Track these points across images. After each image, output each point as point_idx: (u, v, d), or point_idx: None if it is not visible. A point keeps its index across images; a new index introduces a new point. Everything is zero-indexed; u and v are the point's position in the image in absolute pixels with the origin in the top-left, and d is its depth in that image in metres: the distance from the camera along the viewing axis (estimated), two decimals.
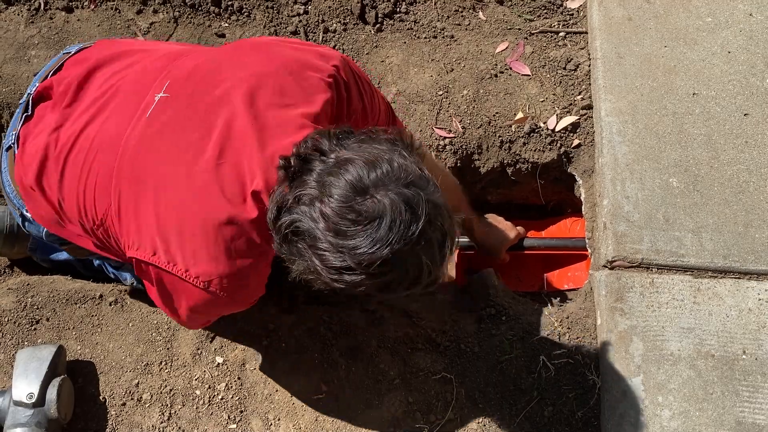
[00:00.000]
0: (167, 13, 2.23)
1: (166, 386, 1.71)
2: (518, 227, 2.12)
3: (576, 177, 2.03)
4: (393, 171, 1.04)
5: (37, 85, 1.52)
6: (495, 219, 2.10)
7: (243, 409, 1.70)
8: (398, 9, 2.20)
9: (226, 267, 1.23)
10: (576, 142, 2.00)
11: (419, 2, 2.22)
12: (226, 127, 1.22)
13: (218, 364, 1.73)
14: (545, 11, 2.21)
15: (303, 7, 2.19)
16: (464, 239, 2.20)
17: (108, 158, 1.30)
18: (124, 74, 1.41)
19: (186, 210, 1.22)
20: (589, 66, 2.06)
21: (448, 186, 1.79)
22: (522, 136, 2.02)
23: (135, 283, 1.83)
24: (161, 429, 1.67)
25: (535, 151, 2.03)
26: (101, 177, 1.31)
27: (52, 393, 1.59)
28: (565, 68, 2.07)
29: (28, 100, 1.51)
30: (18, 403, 1.58)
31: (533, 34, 2.15)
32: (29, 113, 1.49)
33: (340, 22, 2.18)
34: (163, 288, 1.32)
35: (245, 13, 2.21)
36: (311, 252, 1.06)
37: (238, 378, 1.72)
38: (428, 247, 1.05)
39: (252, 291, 1.35)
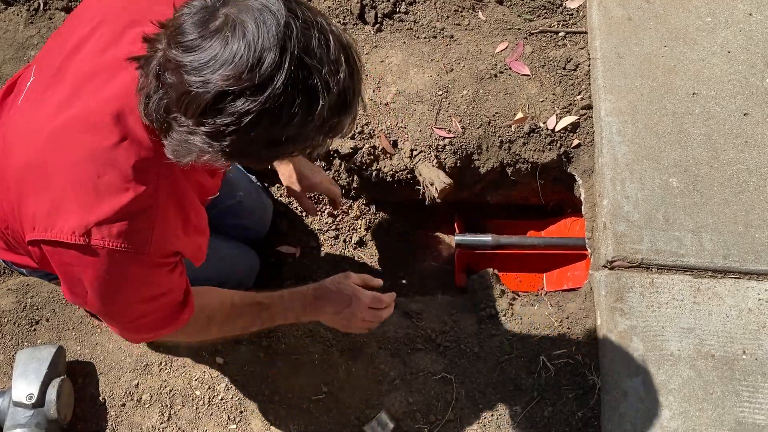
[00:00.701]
0: None
1: (165, 387, 1.71)
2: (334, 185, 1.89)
3: (576, 177, 2.02)
4: None
5: None
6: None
7: (243, 409, 1.69)
8: (398, 9, 2.20)
9: (102, 210, 1.05)
10: (576, 142, 2.00)
11: (419, 2, 2.22)
12: (73, 72, 1.10)
13: (218, 364, 1.73)
14: (545, 11, 2.21)
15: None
16: (464, 236, 2.20)
17: None
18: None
19: (47, 165, 1.07)
20: (589, 66, 2.06)
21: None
22: (522, 136, 2.02)
23: None
24: (161, 429, 1.67)
25: (534, 151, 2.03)
26: None
27: (51, 394, 1.59)
28: (564, 68, 2.07)
29: None
30: (18, 404, 1.58)
31: (533, 34, 2.15)
32: None
33: (339, 22, 2.18)
34: (61, 271, 1.14)
35: None
36: (184, 114, 0.91)
37: (238, 378, 1.72)
38: (307, 44, 0.88)
39: (161, 233, 1.10)
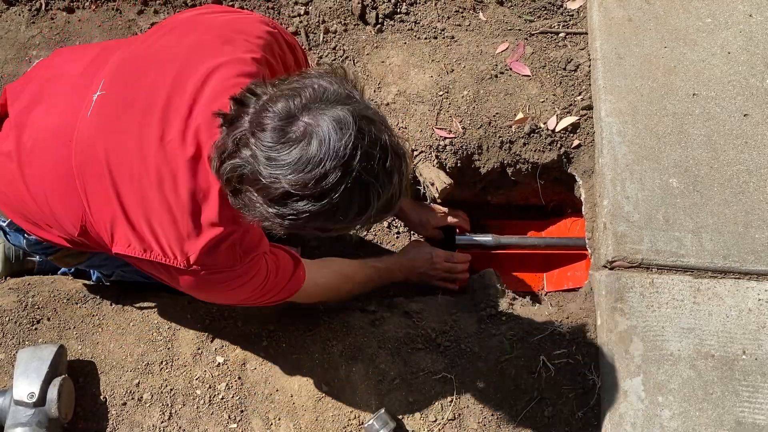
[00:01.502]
0: (168, 13, 2.23)
1: (166, 386, 1.71)
2: (453, 213, 2.15)
3: (576, 177, 2.03)
4: (316, 93, 1.03)
5: None
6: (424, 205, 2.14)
7: (243, 408, 1.70)
8: (399, 10, 2.21)
9: (198, 241, 1.23)
10: (576, 142, 2.00)
11: (420, 3, 2.22)
12: (165, 106, 1.22)
13: (219, 363, 1.74)
14: (545, 12, 2.22)
15: (303, 7, 2.19)
16: (464, 237, 2.20)
17: (62, 156, 1.30)
18: (56, 80, 1.41)
19: (146, 196, 1.22)
20: (589, 66, 2.06)
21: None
22: (522, 137, 2.02)
23: (102, 281, 1.85)
24: (162, 428, 1.67)
25: (535, 151, 2.03)
26: (61, 180, 1.31)
27: (52, 392, 1.59)
28: (565, 69, 2.08)
29: None
30: (19, 403, 1.58)
31: (533, 34, 2.15)
32: None
33: (340, 22, 2.18)
34: (160, 273, 1.33)
35: None
36: (255, 191, 1.05)
37: (239, 378, 1.72)
38: (367, 164, 1.02)
39: (245, 246, 1.31)
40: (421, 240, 2.14)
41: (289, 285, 1.50)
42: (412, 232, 2.38)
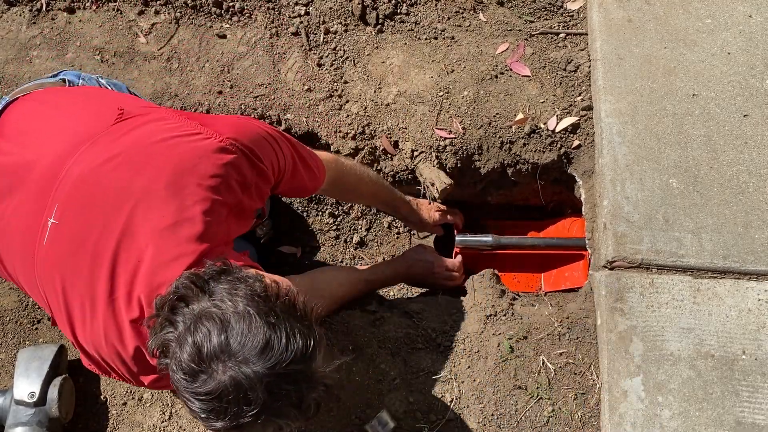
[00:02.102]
0: (169, 14, 2.23)
1: None
2: (450, 212, 2.17)
3: (576, 178, 2.03)
4: (233, 343, 1.08)
5: None
6: (421, 202, 2.15)
7: None
8: (399, 10, 2.21)
9: (150, 377, 1.32)
10: (576, 143, 2.01)
11: (420, 3, 2.22)
12: (113, 259, 1.25)
13: None
14: (545, 12, 2.22)
15: (304, 8, 2.19)
16: (464, 236, 2.20)
17: (28, 269, 1.34)
18: (23, 172, 1.36)
19: (97, 341, 1.29)
20: (589, 67, 2.06)
21: (371, 187, 1.91)
22: (522, 137, 2.02)
23: None
24: (162, 428, 1.68)
25: (535, 151, 2.03)
26: (30, 285, 1.37)
27: (53, 392, 1.59)
28: (565, 69, 2.08)
29: None
30: (19, 402, 1.58)
31: (533, 35, 2.16)
32: None
33: (341, 23, 2.18)
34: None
35: (246, 15, 2.22)
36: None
37: None
38: (278, 414, 1.11)
39: None
40: (425, 245, 2.15)
41: None
42: (412, 231, 2.39)
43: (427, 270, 2.05)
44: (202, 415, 1.11)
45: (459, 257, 2.15)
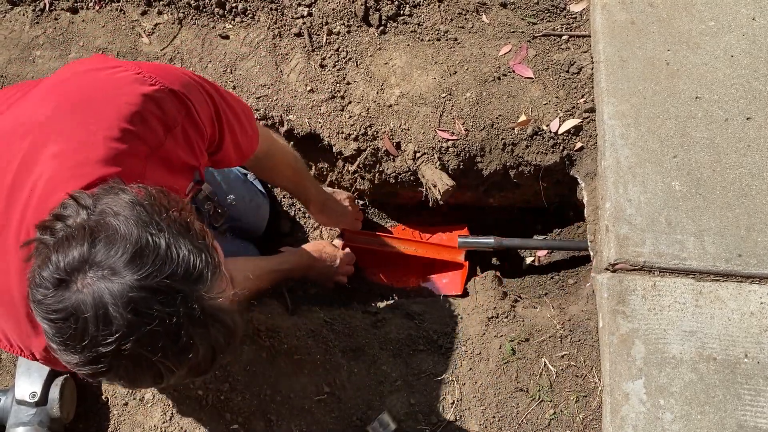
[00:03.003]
0: (172, 14, 2.23)
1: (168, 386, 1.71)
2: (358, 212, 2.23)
3: (578, 180, 2.03)
4: (98, 249, 0.89)
5: None
6: (338, 194, 2.16)
7: (245, 409, 1.70)
8: (402, 11, 2.21)
9: (39, 340, 1.13)
10: (578, 145, 2.00)
11: (423, 5, 2.22)
12: (8, 192, 1.11)
13: (220, 364, 1.74)
14: (548, 14, 2.22)
15: (307, 9, 2.19)
16: (466, 238, 2.20)
17: None
18: None
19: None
20: (592, 69, 2.06)
21: (285, 161, 1.82)
22: (525, 139, 2.02)
23: None
24: (163, 429, 1.67)
25: (537, 153, 2.03)
26: None
27: (54, 392, 1.59)
28: (568, 71, 2.08)
29: None
30: (21, 402, 1.58)
31: (536, 37, 2.15)
32: None
33: (343, 24, 2.18)
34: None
35: (249, 15, 2.22)
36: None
37: (241, 378, 1.72)
38: (150, 344, 0.89)
39: None
40: (325, 241, 2.23)
41: None
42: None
43: (329, 267, 2.09)
44: (55, 345, 0.91)
45: (348, 249, 2.22)
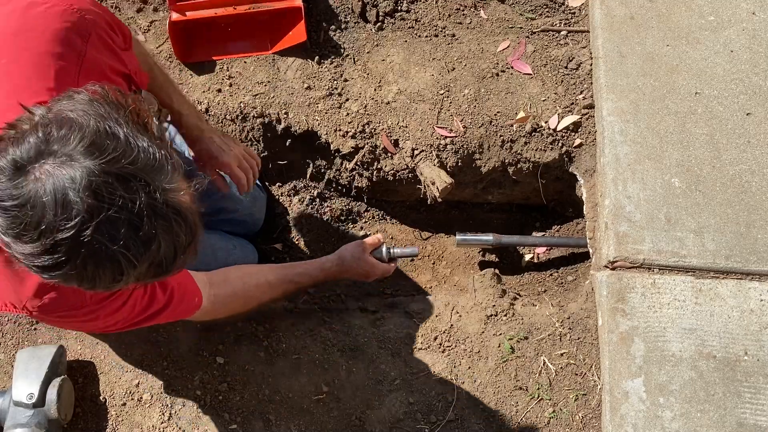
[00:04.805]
0: (167, 11, 2.21)
1: (166, 386, 1.71)
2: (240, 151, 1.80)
3: (577, 177, 2.02)
4: (52, 142, 0.85)
5: None
6: (225, 139, 1.77)
7: (243, 409, 1.69)
8: (399, 7, 2.19)
9: (26, 288, 1.13)
10: (577, 141, 1.99)
11: (420, 1, 2.20)
12: None
13: (219, 364, 1.73)
14: (547, 10, 2.20)
15: (304, 5, 2.17)
16: (465, 236, 2.19)
17: None
18: None
19: None
20: (591, 65, 2.05)
21: (160, 84, 1.62)
22: (523, 136, 2.01)
23: None
24: (161, 429, 1.67)
25: (536, 150, 2.02)
26: None
27: (52, 393, 1.59)
28: (566, 67, 2.06)
29: None
30: (18, 404, 1.58)
31: (535, 32, 2.14)
32: None
33: (341, 20, 2.17)
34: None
35: None
36: None
37: (239, 378, 1.72)
38: (109, 233, 0.86)
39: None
40: (363, 245, 1.92)
41: (180, 310, 1.39)
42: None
43: (361, 275, 1.89)
44: (9, 238, 0.86)
45: (393, 266, 1.98)
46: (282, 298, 1.78)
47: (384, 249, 1.94)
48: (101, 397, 1.70)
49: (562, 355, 1.76)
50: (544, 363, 1.75)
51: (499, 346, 1.78)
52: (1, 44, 1.14)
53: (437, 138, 2.02)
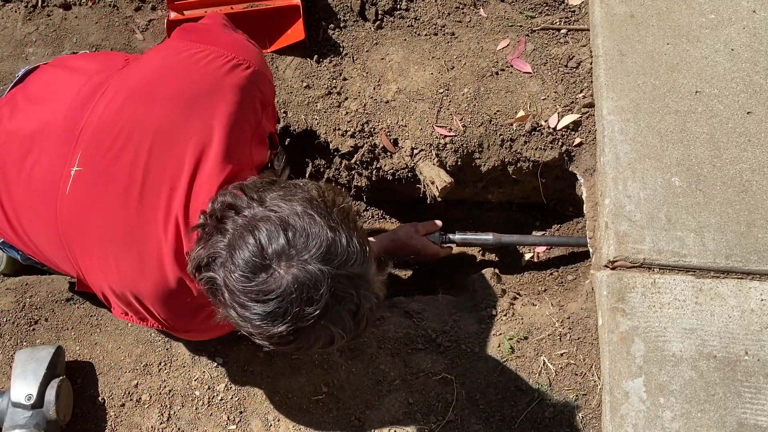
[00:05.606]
0: (164, 10, 2.21)
1: (165, 387, 1.70)
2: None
3: (577, 176, 2.01)
4: (297, 242, 1.04)
5: None
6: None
7: (243, 410, 1.69)
8: (398, 6, 2.18)
9: (187, 320, 1.35)
10: (577, 140, 1.99)
11: None
12: (141, 190, 1.25)
13: (218, 364, 1.73)
14: (547, 8, 2.19)
15: (302, 3, 2.17)
16: (465, 235, 2.18)
17: (50, 224, 1.33)
18: (44, 128, 1.39)
19: (135, 282, 1.28)
20: (591, 63, 2.04)
21: None
22: (523, 135, 2.00)
23: None
24: (160, 430, 1.67)
25: (536, 149, 2.01)
26: (51, 242, 1.36)
27: (50, 394, 1.58)
28: (566, 66, 2.06)
29: None
30: (16, 405, 1.57)
31: (534, 31, 2.13)
32: None
33: (340, 18, 2.16)
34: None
35: None
36: (228, 308, 1.11)
37: (238, 378, 1.71)
38: (335, 320, 1.07)
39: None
40: (417, 225, 2.15)
41: None
42: None
43: (411, 254, 2.09)
44: (260, 322, 1.05)
45: (445, 250, 2.17)
46: None
47: (437, 234, 2.13)
48: (100, 398, 1.70)
49: (562, 355, 1.75)
50: (544, 363, 1.74)
51: (498, 346, 1.78)
52: (174, 100, 1.30)
53: (437, 137, 2.01)
